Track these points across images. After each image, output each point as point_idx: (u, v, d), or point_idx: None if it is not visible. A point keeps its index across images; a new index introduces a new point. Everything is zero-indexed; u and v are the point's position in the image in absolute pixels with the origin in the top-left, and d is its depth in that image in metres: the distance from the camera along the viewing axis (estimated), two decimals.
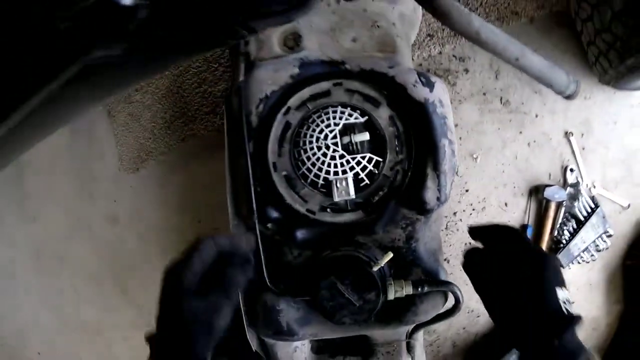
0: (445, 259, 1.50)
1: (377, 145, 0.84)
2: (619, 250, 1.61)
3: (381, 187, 0.84)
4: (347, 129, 0.82)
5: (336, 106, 0.83)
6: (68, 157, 1.87)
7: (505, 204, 1.59)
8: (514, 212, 1.60)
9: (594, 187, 1.57)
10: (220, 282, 0.66)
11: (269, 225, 0.87)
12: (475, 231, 0.76)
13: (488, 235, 0.74)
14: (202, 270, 0.66)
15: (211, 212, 1.70)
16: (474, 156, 1.59)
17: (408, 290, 0.82)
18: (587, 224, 1.53)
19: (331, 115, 0.82)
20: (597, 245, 1.56)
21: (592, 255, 1.57)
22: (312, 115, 0.84)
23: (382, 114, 0.84)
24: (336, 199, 0.82)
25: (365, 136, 0.82)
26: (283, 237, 0.87)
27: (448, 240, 1.58)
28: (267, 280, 0.87)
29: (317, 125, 0.81)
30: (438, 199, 0.84)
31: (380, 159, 0.83)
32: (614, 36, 1.23)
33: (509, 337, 0.66)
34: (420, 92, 0.83)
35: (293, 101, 0.85)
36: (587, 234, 1.54)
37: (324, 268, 0.82)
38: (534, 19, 1.55)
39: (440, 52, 1.57)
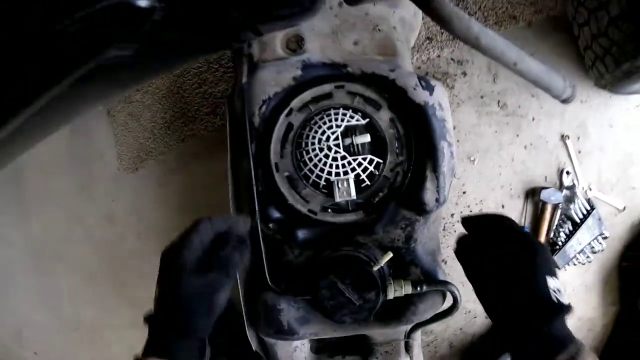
0: (442, 260, 1.51)
1: (377, 147, 0.85)
2: (614, 252, 1.61)
3: (381, 188, 0.86)
4: (349, 131, 0.83)
5: (338, 108, 0.85)
6: (67, 156, 1.86)
7: (502, 206, 1.61)
8: (510, 214, 1.60)
9: (590, 189, 1.58)
10: (219, 262, 0.68)
11: (271, 225, 0.88)
12: (468, 221, 0.77)
13: (480, 225, 0.74)
14: (201, 249, 0.67)
15: (211, 212, 1.67)
16: (472, 158, 1.60)
17: (407, 289, 0.83)
18: (583, 226, 1.54)
19: (333, 117, 0.83)
20: (593, 247, 1.57)
21: (588, 257, 1.58)
22: (314, 117, 0.85)
23: (383, 117, 0.85)
24: (337, 199, 0.83)
25: (367, 138, 0.83)
26: (284, 237, 0.88)
27: (446, 241, 1.59)
28: (268, 280, 0.88)
29: (319, 127, 0.83)
30: (437, 200, 0.85)
31: (380, 161, 0.84)
32: (611, 41, 1.24)
33: (499, 325, 0.67)
34: (421, 96, 0.85)
35: (295, 103, 0.86)
36: (582, 236, 1.55)
37: (324, 267, 0.82)
38: (532, 23, 1.56)
39: (439, 56, 1.59)
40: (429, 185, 0.85)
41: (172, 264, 0.66)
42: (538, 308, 0.63)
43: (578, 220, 1.56)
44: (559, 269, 1.57)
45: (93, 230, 1.88)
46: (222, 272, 0.68)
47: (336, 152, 0.82)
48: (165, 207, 1.79)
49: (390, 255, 0.82)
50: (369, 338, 1.04)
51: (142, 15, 0.38)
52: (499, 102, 1.58)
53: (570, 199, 1.56)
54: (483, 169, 1.61)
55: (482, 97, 1.59)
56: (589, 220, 1.55)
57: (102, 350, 1.90)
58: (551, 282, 0.64)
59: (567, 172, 1.57)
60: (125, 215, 1.85)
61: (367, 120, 0.85)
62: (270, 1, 0.42)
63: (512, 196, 1.61)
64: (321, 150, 0.82)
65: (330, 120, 0.83)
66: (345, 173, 0.82)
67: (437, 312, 0.92)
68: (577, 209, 1.56)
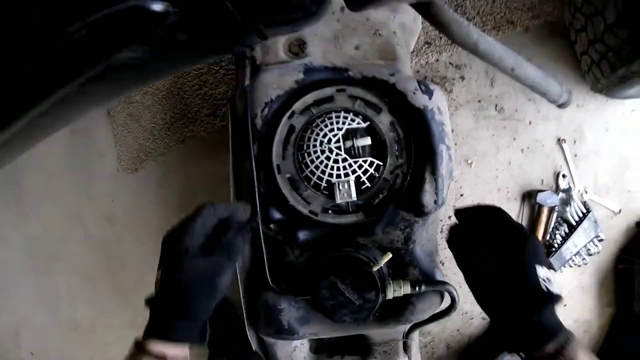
0: (440, 262, 1.52)
1: (378, 149, 0.86)
2: (610, 254, 1.63)
3: (381, 190, 0.87)
4: (350, 134, 0.84)
5: (339, 111, 0.86)
6: (66, 156, 1.86)
7: None
8: None
9: (586, 192, 1.59)
10: (221, 246, 0.68)
11: (272, 226, 0.89)
12: (460, 212, 0.77)
13: (473, 215, 0.75)
14: (204, 234, 0.68)
15: None
16: (469, 161, 1.62)
17: (406, 289, 0.85)
18: (579, 228, 1.56)
19: (334, 120, 0.85)
20: (589, 250, 1.59)
21: (584, 259, 1.59)
22: (315, 119, 0.86)
23: (383, 120, 0.87)
24: (338, 200, 0.85)
25: (367, 141, 0.84)
26: (285, 238, 0.89)
27: (443, 243, 1.59)
28: (269, 280, 0.89)
29: (321, 130, 0.84)
30: (435, 202, 0.87)
31: (380, 163, 0.86)
32: (607, 47, 1.26)
33: (489, 314, 0.67)
34: (420, 100, 0.86)
35: (297, 106, 0.87)
36: (578, 238, 1.56)
37: (324, 268, 0.83)
38: (529, 29, 1.58)
39: (437, 60, 1.60)
40: (428, 187, 0.87)
41: (175, 246, 0.66)
42: (527, 297, 0.63)
43: (574, 223, 1.57)
44: (555, 270, 1.58)
45: (92, 231, 1.87)
46: (224, 255, 0.68)
47: (337, 154, 0.83)
48: (165, 207, 1.79)
49: (389, 256, 0.83)
50: (368, 338, 1.05)
51: (157, 20, 0.39)
52: (496, 106, 1.60)
53: (566, 202, 1.57)
54: (480, 172, 1.62)
55: (479, 101, 1.60)
56: (585, 223, 1.56)
57: (100, 351, 1.89)
58: (541, 272, 0.64)
59: (564, 175, 1.58)
60: (124, 215, 1.85)
61: (368, 123, 0.86)
62: (276, 6, 0.43)
63: (509, 199, 1.62)
64: (323, 152, 0.84)
65: (331, 123, 0.84)
66: (346, 175, 0.84)
67: (435, 312, 0.93)
68: (573, 212, 1.57)
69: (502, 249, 0.66)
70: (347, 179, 0.84)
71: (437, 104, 0.87)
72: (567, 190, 1.58)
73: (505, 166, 1.62)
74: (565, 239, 1.57)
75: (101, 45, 0.42)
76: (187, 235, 0.66)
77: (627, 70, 1.24)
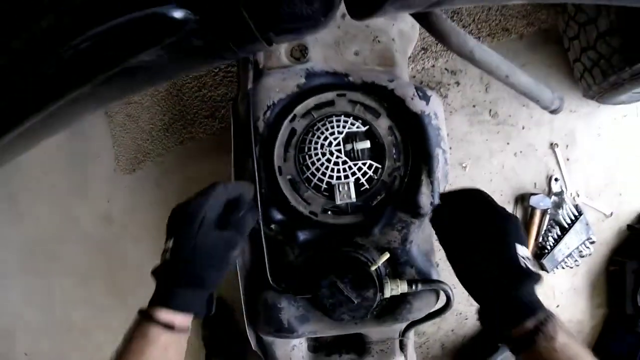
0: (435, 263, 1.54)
1: (376, 152, 0.89)
2: (602, 256, 1.64)
3: (380, 192, 0.89)
4: (350, 137, 0.87)
5: (340, 115, 0.88)
6: (62, 155, 1.86)
7: None
8: None
9: (578, 195, 1.61)
10: (234, 222, 0.70)
11: (273, 226, 0.91)
12: (444, 195, 0.78)
13: (456, 196, 0.75)
14: (218, 209, 0.69)
15: None
16: (463, 165, 1.63)
17: (403, 288, 0.86)
18: (571, 230, 1.57)
19: (335, 123, 0.87)
20: (581, 252, 1.60)
21: (576, 260, 1.60)
22: (316, 123, 0.89)
23: (382, 124, 0.89)
24: (338, 202, 0.87)
25: (366, 144, 0.87)
26: (286, 238, 0.91)
27: (438, 244, 1.61)
28: (270, 279, 0.91)
29: (322, 133, 0.86)
30: (432, 203, 0.88)
31: (379, 166, 0.88)
32: (599, 54, 1.27)
33: (470, 291, 0.67)
34: (417, 105, 0.89)
35: (299, 109, 0.90)
36: (571, 241, 1.58)
37: (324, 267, 0.85)
38: (524, 36, 1.60)
39: (433, 65, 1.62)
40: (424, 189, 0.89)
41: (191, 217, 0.67)
42: (506, 272, 0.63)
43: (566, 225, 1.58)
44: (547, 272, 1.60)
45: (88, 231, 1.86)
46: (237, 231, 0.70)
47: (337, 157, 0.86)
48: (162, 208, 1.77)
49: (387, 255, 0.85)
50: (365, 337, 1.06)
51: (177, 26, 0.42)
52: (490, 111, 1.62)
53: (558, 205, 1.59)
54: (474, 175, 1.63)
55: (474, 106, 1.62)
56: (577, 226, 1.57)
57: (94, 352, 1.87)
58: (520, 250, 0.64)
59: (556, 179, 1.60)
60: (121, 215, 1.84)
61: (367, 127, 0.88)
62: (287, 17, 0.45)
63: (502, 202, 1.63)
64: (323, 155, 0.86)
65: (332, 127, 0.87)
66: (346, 177, 0.86)
67: (431, 310, 0.95)
68: (565, 215, 1.58)
69: (483, 227, 0.67)
70: (346, 180, 0.86)
71: (434, 109, 0.90)
72: (560, 194, 1.59)
73: (499, 170, 1.63)
74: (557, 241, 1.58)
75: (121, 48, 0.44)
76: (203, 208, 0.67)
77: (618, 77, 1.26)
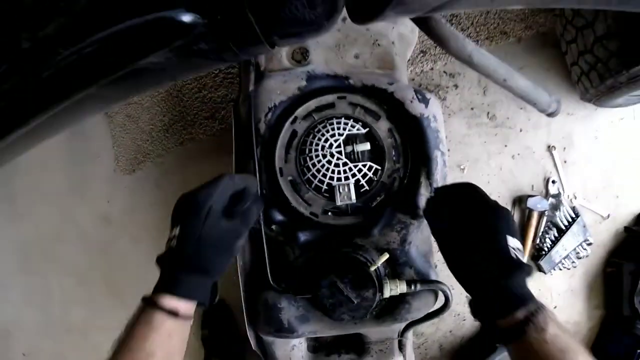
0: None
1: (376, 154, 0.90)
2: (599, 258, 1.64)
3: (379, 193, 0.90)
4: (350, 139, 0.88)
5: (340, 118, 0.90)
6: (62, 156, 1.85)
7: None
8: None
9: (575, 198, 1.61)
10: (240, 212, 0.70)
11: (274, 227, 0.92)
12: (438, 189, 0.79)
13: (449, 190, 0.76)
14: (225, 199, 0.70)
15: None
16: (461, 167, 1.64)
17: (402, 288, 0.87)
18: (568, 232, 1.58)
19: (335, 126, 0.88)
20: (578, 253, 1.60)
21: (573, 262, 1.61)
22: (317, 125, 0.90)
23: (382, 127, 0.90)
24: (338, 203, 0.88)
25: (366, 146, 0.88)
26: (286, 239, 0.92)
27: (437, 246, 1.61)
28: (270, 279, 0.92)
29: (323, 135, 0.88)
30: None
31: (379, 168, 0.89)
32: (596, 58, 1.28)
33: (462, 282, 0.67)
34: (417, 108, 0.90)
35: (300, 111, 0.91)
36: (568, 242, 1.58)
37: (324, 268, 0.86)
38: (522, 39, 1.61)
39: (432, 68, 1.63)
40: (423, 191, 0.90)
41: (199, 205, 0.67)
42: (497, 263, 0.63)
43: (563, 227, 1.59)
44: (545, 273, 1.61)
45: (87, 231, 1.86)
46: (242, 221, 0.71)
47: (338, 158, 0.87)
48: (161, 209, 1.78)
49: (386, 256, 0.86)
50: (364, 337, 1.07)
51: (186, 30, 0.43)
52: (488, 113, 1.63)
53: (555, 207, 1.59)
54: (472, 177, 1.63)
55: (472, 108, 1.63)
56: (574, 227, 1.58)
57: (92, 352, 1.85)
58: (511, 241, 0.64)
59: (553, 181, 1.60)
60: (120, 216, 1.84)
61: (367, 129, 0.90)
62: (292, 21, 0.47)
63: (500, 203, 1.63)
64: (324, 156, 0.87)
65: (332, 129, 0.88)
66: (346, 178, 0.87)
67: (430, 310, 0.96)
68: (562, 217, 1.59)
69: (475, 219, 0.67)
70: (347, 182, 0.87)
71: (433, 112, 0.91)
72: (557, 196, 1.60)
73: (497, 172, 1.64)
74: (554, 242, 1.59)
75: (131, 50, 0.45)
76: (211, 197, 0.68)
77: (615, 80, 1.26)
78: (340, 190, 0.87)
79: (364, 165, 0.88)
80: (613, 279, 1.61)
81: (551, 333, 0.57)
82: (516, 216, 1.64)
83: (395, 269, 0.93)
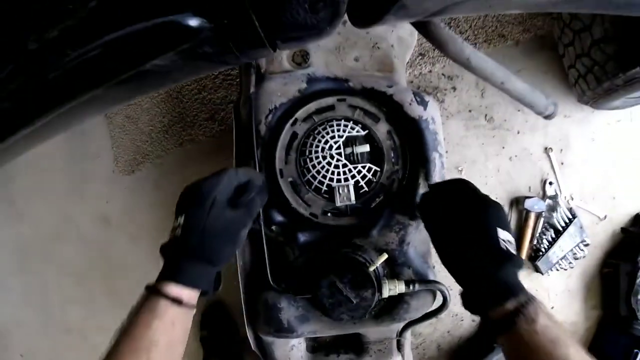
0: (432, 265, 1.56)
1: (375, 156, 0.91)
2: (596, 259, 1.65)
3: (378, 194, 0.91)
4: (349, 141, 0.89)
5: (340, 120, 0.90)
6: (61, 156, 1.86)
7: None
8: None
9: (572, 199, 1.63)
10: (243, 203, 0.71)
11: (274, 227, 0.92)
12: (432, 186, 0.81)
13: (442, 186, 0.78)
14: (230, 190, 0.71)
15: None
16: (459, 168, 1.65)
17: (400, 288, 0.88)
18: (565, 233, 1.59)
19: (335, 127, 0.89)
20: (575, 254, 1.61)
21: (570, 263, 1.62)
22: (317, 127, 0.91)
23: (381, 129, 0.91)
24: (338, 204, 0.89)
25: (366, 148, 0.88)
26: (286, 239, 0.93)
27: None
28: (270, 280, 0.92)
29: (323, 137, 0.88)
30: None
31: (378, 169, 0.90)
32: (593, 61, 1.29)
33: (453, 273, 0.68)
34: (415, 110, 0.91)
35: (300, 113, 0.91)
36: (565, 243, 1.59)
37: (324, 268, 0.86)
38: (520, 42, 1.62)
39: (430, 71, 1.64)
40: (422, 192, 0.91)
41: (205, 195, 0.68)
42: (487, 254, 0.63)
43: (560, 228, 1.60)
44: (542, 274, 1.62)
45: (86, 231, 1.86)
46: (247, 211, 0.72)
47: (338, 160, 0.88)
48: (161, 209, 1.79)
49: (385, 256, 0.86)
50: (363, 337, 1.07)
51: (192, 34, 0.44)
52: (486, 115, 1.64)
53: (552, 208, 1.61)
54: (470, 178, 1.59)
55: (470, 110, 1.64)
56: (571, 228, 1.59)
57: (91, 352, 1.83)
58: (502, 233, 0.65)
59: (550, 183, 1.62)
60: (119, 216, 1.84)
61: (367, 131, 0.90)
62: (295, 26, 0.48)
63: None
64: (324, 158, 0.88)
65: (332, 131, 0.89)
66: (346, 180, 0.88)
67: (428, 310, 0.96)
68: (559, 218, 1.60)
69: (466, 212, 0.68)
70: (346, 183, 0.88)
71: (431, 114, 0.92)
72: (554, 197, 1.61)
73: (494, 173, 1.65)
74: (551, 243, 1.60)
75: (139, 52, 0.46)
76: (216, 187, 0.69)
77: (612, 83, 1.28)
78: (340, 191, 0.88)
79: (364, 167, 0.89)
80: (610, 279, 1.62)
81: (542, 324, 0.57)
82: (513, 217, 1.65)
83: (393, 269, 0.94)
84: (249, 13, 0.43)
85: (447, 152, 1.61)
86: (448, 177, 1.60)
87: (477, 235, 0.66)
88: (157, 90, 1.49)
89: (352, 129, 0.89)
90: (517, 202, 1.64)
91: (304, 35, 0.51)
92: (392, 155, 0.91)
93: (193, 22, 0.43)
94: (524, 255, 1.62)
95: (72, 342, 1.90)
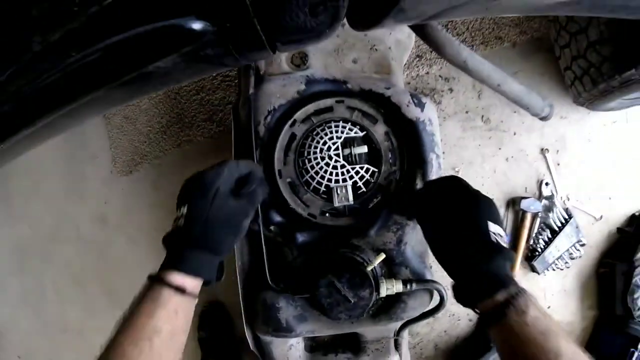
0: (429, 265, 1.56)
1: (373, 157, 0.91)
2: (592, 259, 1.66)
3: (376, 195, 0.92)
4: (348, 142, 0.89)
5: (338, 121, 0.91)
6: (59, 157, 1.86)
7: None
8: None
9: (568, 199, 1.64)
10: (245, 193, 0.72)
11: (272, 228, 0.93)
12: (426, 183, 0.83)
13: (435, 182, 0.79)
14: (232, 181, 0.72)
15: None
16: (456, 169, 1.66)
17: (398, 287, 0.88)
18: (561, 233, 1.60)
19: (333, 129, 0.90)
20: (571, 254, 1.62)
21: (567, 262, 1.63)
22: (316, 128, 0.91)
23: (379, 130, 0.92)
24: (336, 204, 0.90)
25: (364, 149, 0.89)
26: (285, 239, 0.93)
27: None
28: (269, 280, 0.93)
29: (321, 138, 0.89)
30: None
31: (376, 170, 0.91)
32: (589, 63, 1.30)
33: (445, 266, 0.68)
34: (413, 112, 0.92)
35: (299, 115, 0.92)
36: (561, 243, 1.60)
37: (322, 268, 0.87)
38: (517, 44, 1.63)
39: (427, 72, 1.65)
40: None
41: (207, 185, 0.69)
42: (477, 247, 0.64)
43: (556, 229, 1.61)
44: (538, 273, 1.63)
45: (83, 232, 1.87)
46: (249, 201, 0.72)
47: (336, 161, 0.88)
48: (159, 210, 1.79)
49: (382, 256, 0.87)
50: (361, 336, 1.08)
51: (195, 37, 0.44)
52: (482, 117, 1.65)
53: (549, 209, 1.61)
54: (466, 179, 1.63)
55: (467, 112, 1.65)
56: (567, 228, 1.60)
57: (88, 353, 1.81)
58: (492, 227, 0.66)
59: (546, 183, 1.62)
60: (117, 217, 1.85)
61: (365, 132, 0.91)
62: (296, 29, 0.48)
63: None
64: (322, 159, 0.89)
65: (331, 132, 0.89)
66: (344, 180, 0.89)
67: (425, 310, 0.97)
68: (555, 218, 1.61)
69: (458, 207, 0.69)
70: (344, 184, 0.89)
71: (429, 115, 0.93)
72: (550, 198, 1.62)
73: (491, 174, 1.66)
74: (548, 243, 1.61)
75: (142, 54, 0.47)
76: (219, 178, 0.70)
77: (607, 85, 1.28)
78: (338, 191, 0.89)
79: (362, 168, 0.89)
80: (606, 279, 1.62)
81: (532, 315, 0.57)
82: (510, 218, 1.66)
83: (391, 269, 0.95)
84: (251, 16, 0.44)
85: (444, 153, 1.62)
86: None
87: (468, 228, 0.67)
88: (157, 91, 1.49)
89: (350, 130, 0.90)
90: (514, 202, 1.65)
91: (303, 38, 0.52)
92: (390, 156, 0.92)
93: (196, 25, 0.44)
94: (520, 255, 1.62)
95: (70, 343, 1.90)
